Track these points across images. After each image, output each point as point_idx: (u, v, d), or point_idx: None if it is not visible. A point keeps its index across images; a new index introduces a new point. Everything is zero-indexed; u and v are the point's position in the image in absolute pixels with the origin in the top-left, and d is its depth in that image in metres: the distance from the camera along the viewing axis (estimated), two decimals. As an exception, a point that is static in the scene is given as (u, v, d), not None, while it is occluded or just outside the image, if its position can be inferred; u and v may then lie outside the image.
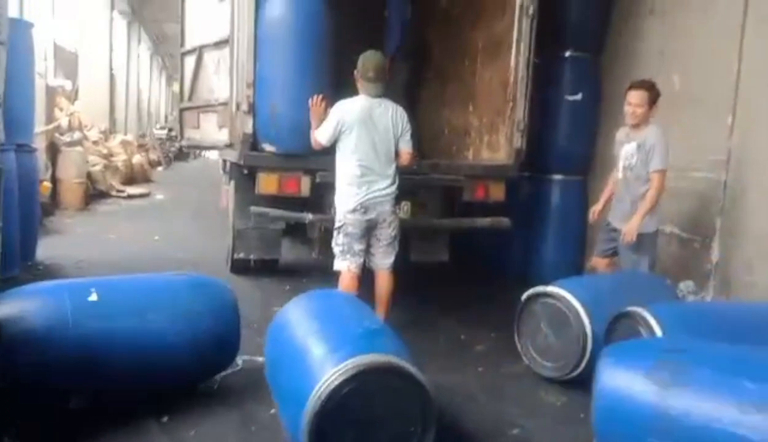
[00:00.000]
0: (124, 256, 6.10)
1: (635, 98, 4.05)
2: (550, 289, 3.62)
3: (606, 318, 3.32)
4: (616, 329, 3.29)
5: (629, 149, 4.11)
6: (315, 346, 2.50)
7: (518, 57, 4.98)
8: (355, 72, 3.92)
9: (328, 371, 2.26)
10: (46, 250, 5.88)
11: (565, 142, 5.70)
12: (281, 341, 2.79)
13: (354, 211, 3.84)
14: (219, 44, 4.96)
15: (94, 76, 15.26)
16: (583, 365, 3.41)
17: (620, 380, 2.37)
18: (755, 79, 4.22)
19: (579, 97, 5.65)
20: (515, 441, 2.92)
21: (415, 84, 6.48)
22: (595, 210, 4.47)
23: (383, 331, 2.71)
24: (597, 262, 4.45)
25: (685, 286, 4.54)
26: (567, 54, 5.67)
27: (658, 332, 2.99)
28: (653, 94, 4.04)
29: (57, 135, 9.34)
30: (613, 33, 5.71)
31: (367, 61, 3.88)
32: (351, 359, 2.27)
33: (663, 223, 4.92)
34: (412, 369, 2.34)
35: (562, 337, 3.53)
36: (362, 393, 2.27)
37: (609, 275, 4.26)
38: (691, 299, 4.45)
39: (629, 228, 3.98)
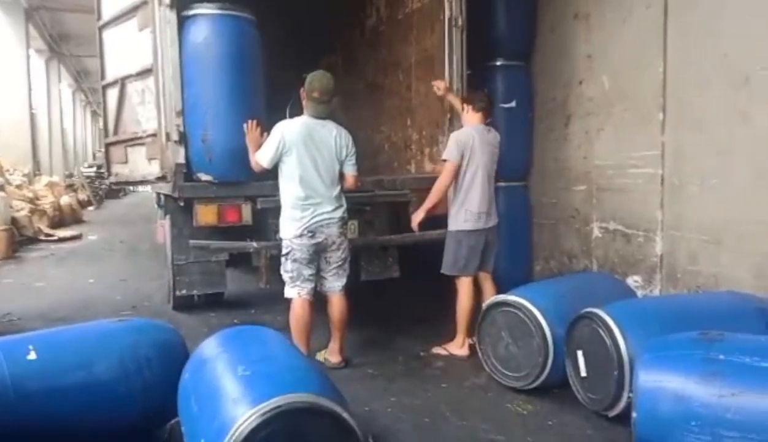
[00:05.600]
0: (57, 304, 5.74)
1: None
2: (509, 297, 3.58)
3: (565, 322, 3.30)
4: (575, 332, 3.28)
5: None
6: (229, 386, 2.26)
7: (451, 69, 5.00)
8: (301, 90, 3.82)
9: (243, 412, 2.04)
10: (-31, 305, 5.46)
11: (504, 149, 5.71)
12: (186, 397, 2.53)
13: (301, 236, 3.71)
14: (142, 74, 4.73)
15: (13, 118, 14.52)
16: (545, 374, 3.38)
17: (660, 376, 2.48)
18: (681, 76, 4.34)
19: (513, 104, 5.70)
20: (487, 457, 2.83)
21: (351, 102, 6.43)
22: None
23: (306, 367, 2.53)
24: None
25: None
26: (498, 63, 5.74)
27: (617, 331, 3.00)
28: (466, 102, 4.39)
29: (-25, 182, 8.81)
30: (541, 39, 5.82)
31: (315, 80, 3.78)
32: (271, 399, 2.05)
33: (605, 220, 5.04)
34: (337, 409, 2.12)
35: (523, 346, 3.48)
36: (282, 437, 2.04)
37: (566, 278, 4.28)
38: (641, 293, 4.51)
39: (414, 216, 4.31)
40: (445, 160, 4.15)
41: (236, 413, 2.07)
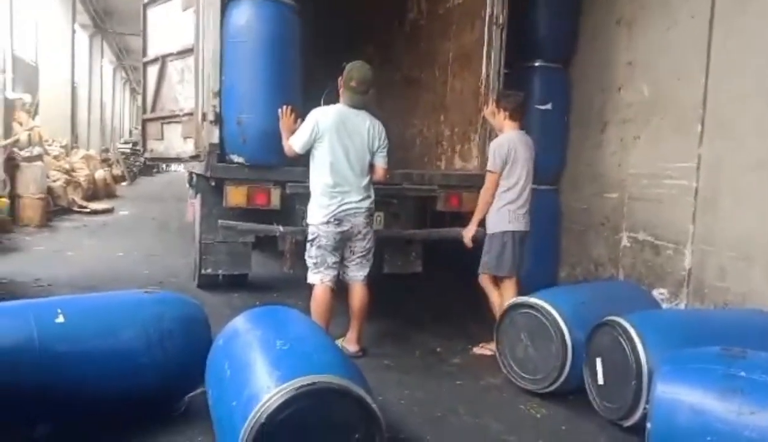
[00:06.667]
0: (86, 273, 5.88)
1: None
2: (531, 300, 3.56)
3: (586, 328, 3.27)
4: (596, 339, 3.25)
5: None
6: (255, 365, 2.32)
7: (489, 67, 4.98)
8: (339, 79, 3.85)
9: (277, 384, 2.10)
10: (2, 268, 5.62)
11: (537, 151, 5.68)
12: (219, 362, 2.60)
13: (327, 223, 3.74)
14: (183, 53, 4.82)
15: (55, 90, 14.85)
16: (562, 378, 3.36)
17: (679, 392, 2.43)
18: (722, 90, 4.24)
19: (549, 106, 5.65)
20: (497, 457, 2.83)
21: (385, 94, 6.44)
22: None
23: (331, 350, 2.57)
24: None
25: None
26: (537, 64, 5.69)
27: (638, 341, 2.97)
28: (498, 105, 4.39)
29: (16, 150, 9.03)
30: (582, 43, 5.75)
31: (353, 70, 3.81)
32: (306, 375, 2.12)
33: (635, 230, 4.97)
34: (360, 391, 2.18)
35: (542, 349, 3.47)
36: (305, 416, 2.09)
37: (589, 285, 4.24)
38: (666, 306, 4.44)
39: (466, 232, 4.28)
40: (489, 171, 4.16)
41: (270, 383, 2.13)
